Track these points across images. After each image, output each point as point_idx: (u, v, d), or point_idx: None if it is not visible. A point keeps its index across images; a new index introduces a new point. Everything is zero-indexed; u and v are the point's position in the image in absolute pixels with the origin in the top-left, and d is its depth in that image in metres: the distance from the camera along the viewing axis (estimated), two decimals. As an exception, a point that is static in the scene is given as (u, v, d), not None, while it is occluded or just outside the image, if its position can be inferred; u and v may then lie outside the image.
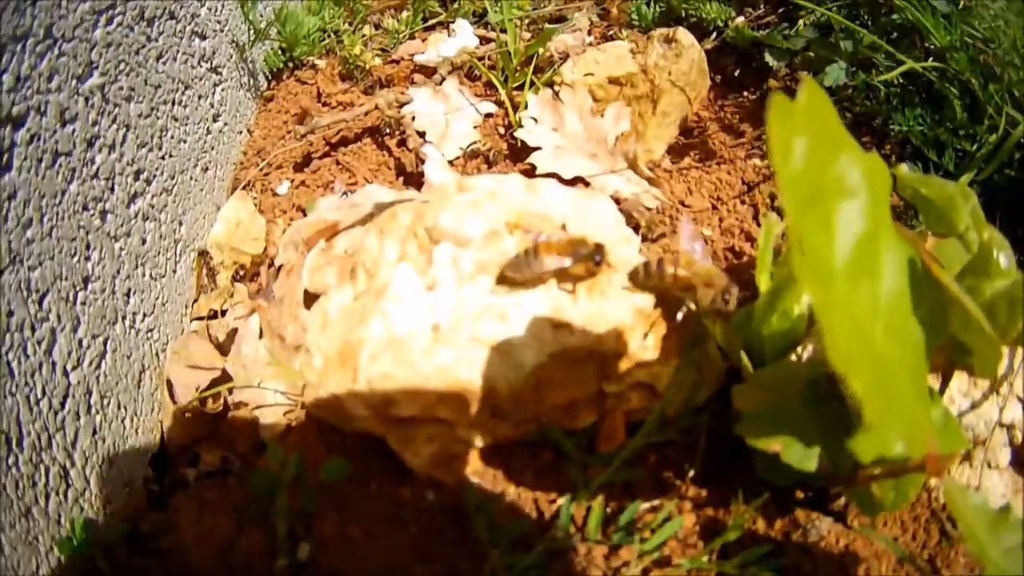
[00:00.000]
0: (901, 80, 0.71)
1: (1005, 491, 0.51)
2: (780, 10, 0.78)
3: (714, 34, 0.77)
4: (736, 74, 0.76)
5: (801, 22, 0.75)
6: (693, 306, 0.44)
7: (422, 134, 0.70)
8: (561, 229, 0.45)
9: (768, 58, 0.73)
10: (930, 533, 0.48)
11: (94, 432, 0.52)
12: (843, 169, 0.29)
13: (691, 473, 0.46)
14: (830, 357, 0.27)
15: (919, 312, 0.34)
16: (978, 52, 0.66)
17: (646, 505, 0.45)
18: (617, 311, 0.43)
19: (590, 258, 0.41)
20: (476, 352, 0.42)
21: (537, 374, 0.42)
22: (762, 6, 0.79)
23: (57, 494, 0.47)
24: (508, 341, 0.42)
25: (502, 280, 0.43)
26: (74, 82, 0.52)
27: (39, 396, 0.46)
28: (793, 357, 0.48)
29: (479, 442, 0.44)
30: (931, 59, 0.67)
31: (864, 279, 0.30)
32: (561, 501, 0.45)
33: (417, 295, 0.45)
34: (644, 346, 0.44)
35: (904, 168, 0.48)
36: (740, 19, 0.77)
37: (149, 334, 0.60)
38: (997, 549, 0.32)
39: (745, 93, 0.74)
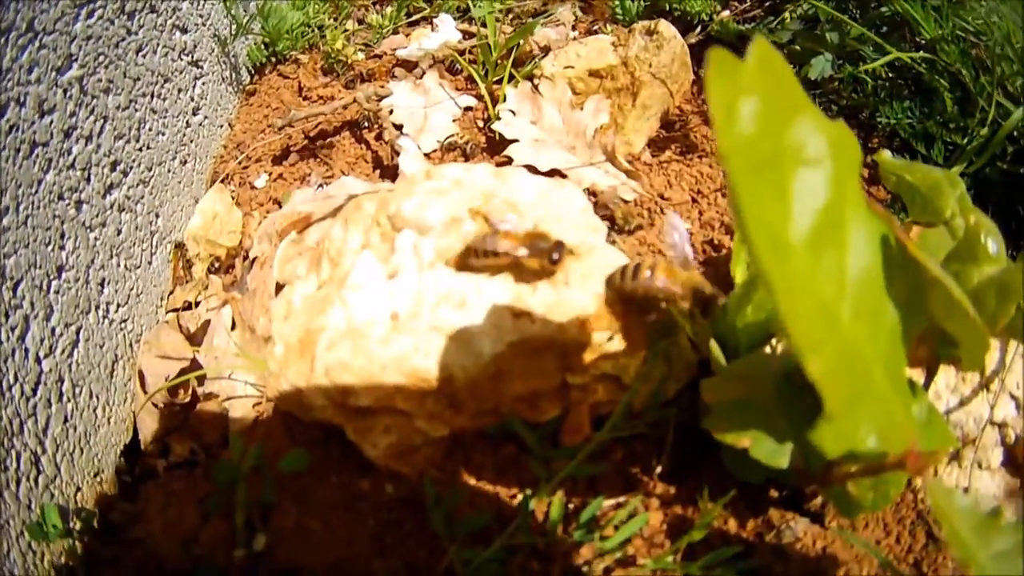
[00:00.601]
0: (889, 73, 0.69)
1: (997, 492, 0.49)
2: (766, 3, 0.77)
3: (699, 28, 0.77)
4: (720, 67, 0.75)
5: (787, 15, 0.74)
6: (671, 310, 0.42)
7: (400, 127, 0.70)
8: (525, 220, 0.44)
9: (753, 51, 0.72)
10: (915, 536, 0.46)
11: (65, 420, 0.51)
12: (802, 135, 0.27)
13: (659, 469, 0.44)
14: (788, 336, 0.25)
15: (893, 293, 0.32)
16: (970, 45, 0.65)
17: (610, 502, 0.43)
18: (580, 300, 0.42)
19: (547, 253, 0.40)
20: (434, 341, 0.41)
21: (496, 363, 0.41)
22: (748, -1, 0.78)
23: (28, 479, 0.47)
24: (466, 329, 0.41)
25: (460, 263, 0.42)
26: (54, 74, 0.53)
27: (11, 382, 0.46)
28: (768, 350, 0.47)
29: (437, 433, 0.43)
30: (921, 51, 0.65)
31: (828, 253, 0.28)
32: (522, 496, 0.43)
33: (378, 283, 0.44)
34: (610, 336, 0.43)
35: (887, 154, 0.46)
36: (725, 12, 0.76)
37: (123, 324, 0.60)
38: (986, 554, 0.30)
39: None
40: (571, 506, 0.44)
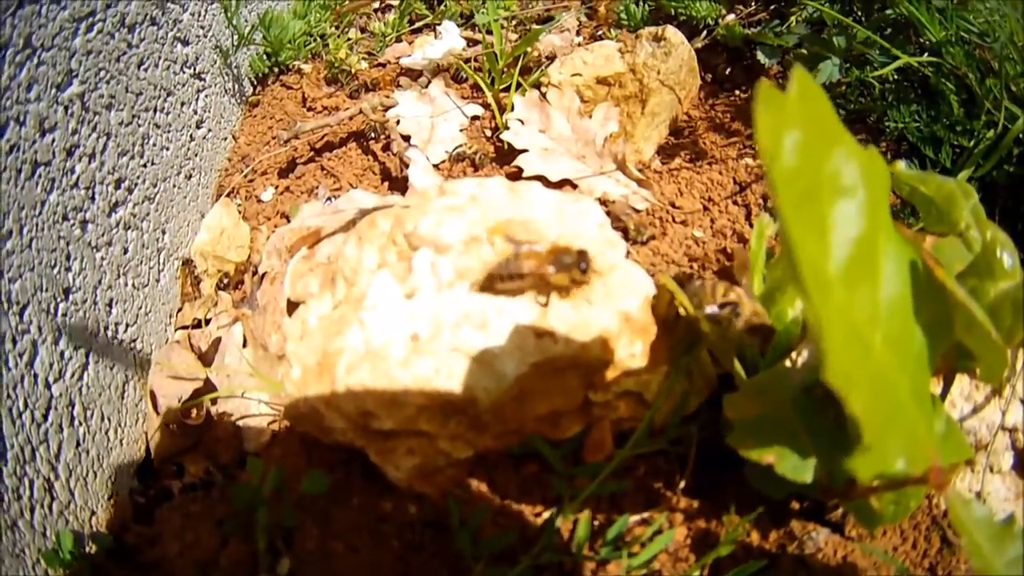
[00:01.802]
0: (895, 76, 0.70)
1: (1008, 495, 0.50)
2: (771, 7, 0.77)
3: (704, 32, 0.76)
4: (727, 72, 0.75)
5: (793, 18, 0.74)
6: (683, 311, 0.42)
7: (407, 138, 0.69)
8: (544, 237, 0.43)
9: (760, 56, 0.72)
10: (931, 541, 0.47)
11: (78, 444, 0.51)
12: (838, 165, 0.27)
13: (682, 484, 0.45)
14: (828, 373, 0.25)
15: (921, 318, 0.32)
16: (974, 47, 0.65)
17: (635, 518, 0.44)
18: (602, 318, 0.42)
19: (575, 266, 0.39)
20: (456, 362, 0.41)
21: (519, 384, 0.41)
22: (753, 3, 0.77)
23: (42, 506, 0.46)
24: (489, 350, 0.41)
25: (484, 287, 0.42)
26: (53, 91, 0.52)
27: (21, 408, 0.46)
28: (787, 363, 0.47)
29: (461, 454, 0.43)
30: (926, 54, 0.66)
31: (862, 285, 0.28)
32: (547, 514, 0.43)
33: (396, 303, 0.44)
34: (632, 353, 0.43)
35: (901, 165, 0.47)
36: (731, 17, 0.76)
37: (132, 344, 0.59)
38: (1000, 561, 0.30)
39: (736, 92, 0.73)
40: (595, 523, 0.44)
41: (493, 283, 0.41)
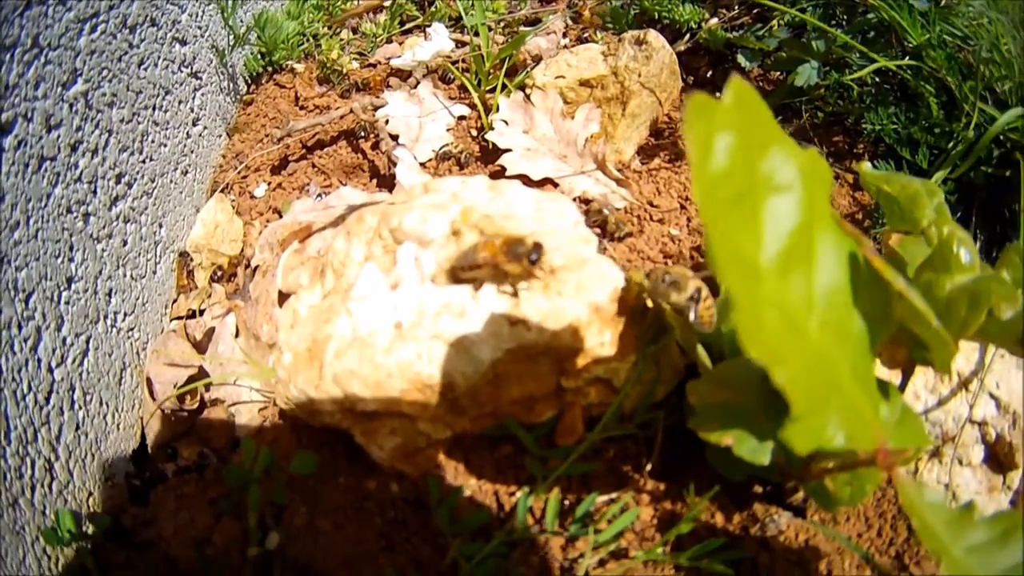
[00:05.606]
0: (875, 79, 0.71)
1: (979, 488, 0.51)
2: (754, 11, 0.79)
3: (687, 36, 0.78)
4: (709, 75, 0.77)
5: (775, 23, 0.76)
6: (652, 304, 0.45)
7: (395, 137, 0.71)
8: (510, 229, 0.46)
9: (741, 59, 0.74)
10: (897, 530, 0.48)
11: (77, 427, 0.53)
12: (774, 165, 0.29)
13: (648, 467, 0.47)
14: (750, 350, 0.27)
15: (861, 305, 0.35)
16: (956, 49, 0.66)
17: (603, 498, 0.46)
18: (573, 308, 0.44)
19: (526, 256, 0.42)
20: (436, 348, 0.43)
21: (494, 369, 0.43)
22: (736, 7, 0.79)
23: (42, 486, 0.49)
24: (466, 337, 0.43)
25: (449, 277, 0.44)
26: (59, 89, 0.54)
27: (25, 392, 0.48)
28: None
29: (440, 435, 0.45)
30: (907, 58, 0.67)
31: (796, 272, 0.31)
32: (520, 493, 0.46)
33: (381, 294, 0.46)
34: (601, 342, 0.45)
35: (866, 165, 0.48)
36: (714, 20, 0.78)
37: (130, 333, 0.61)
38: (960, 547, 0.31)
39: (717, 94, 0.74)
40: (566, 502, 0.46)
41: (456, 273, 0.44)
